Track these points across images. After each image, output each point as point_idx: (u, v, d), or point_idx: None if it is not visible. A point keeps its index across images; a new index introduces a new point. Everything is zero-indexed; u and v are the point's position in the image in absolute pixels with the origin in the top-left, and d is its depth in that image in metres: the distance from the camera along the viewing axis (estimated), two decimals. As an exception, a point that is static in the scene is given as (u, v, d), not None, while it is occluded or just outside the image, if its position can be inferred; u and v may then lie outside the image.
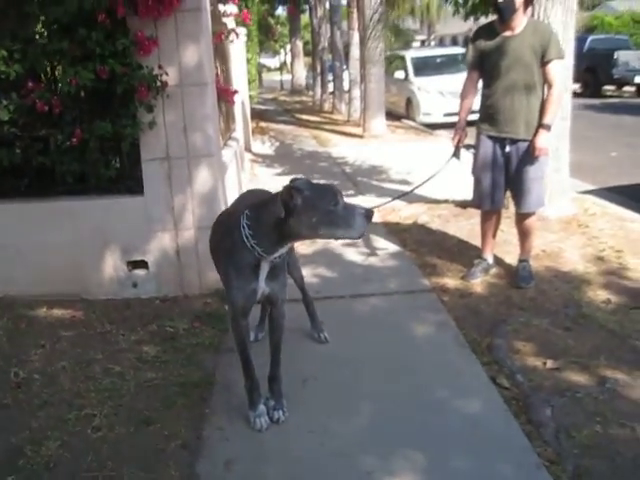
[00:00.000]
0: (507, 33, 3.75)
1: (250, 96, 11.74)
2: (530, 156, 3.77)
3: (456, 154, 4.05)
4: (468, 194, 4.30)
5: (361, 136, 11.47)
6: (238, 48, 8.05)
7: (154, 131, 3.73)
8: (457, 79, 4.11)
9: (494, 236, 4.25)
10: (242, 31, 8.54)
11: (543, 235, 4.84)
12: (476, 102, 4.08)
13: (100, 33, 3.40)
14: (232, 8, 5.34)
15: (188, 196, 3.86)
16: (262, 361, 2.75)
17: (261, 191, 3.10)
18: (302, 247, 4.80)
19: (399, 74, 14.53)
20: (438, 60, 14.80)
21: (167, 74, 3.62)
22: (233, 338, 2.71)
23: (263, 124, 14.19)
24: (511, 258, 4.37)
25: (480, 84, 4.04)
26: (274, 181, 7.19)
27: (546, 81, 3.75)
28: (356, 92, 13.55)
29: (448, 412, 2.70)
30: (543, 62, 3.69)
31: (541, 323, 3.48)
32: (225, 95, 5.11)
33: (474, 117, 4.05)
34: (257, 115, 15.28)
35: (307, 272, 4.31)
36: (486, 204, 4.04)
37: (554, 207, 5.26)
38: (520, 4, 3.64)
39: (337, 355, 3.24)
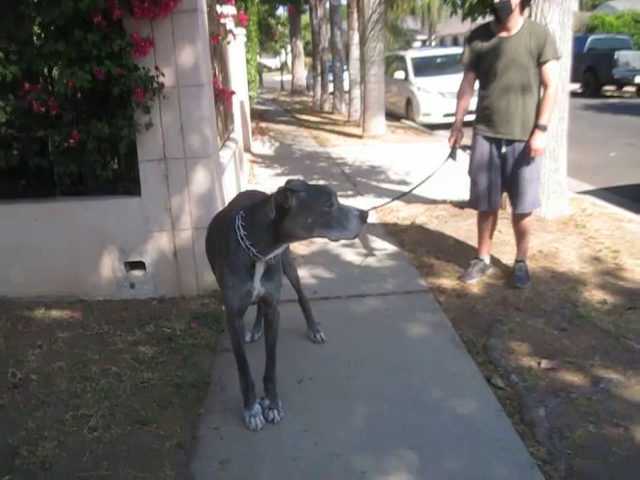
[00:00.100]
0: (503, 34, 3.76)
1: (250, 96, 11.76)
2: (526, 157, 3.78)
3: (452, 155, 4.06)
4: (466, 195, 4.31)
5: (361, 136, 11.47)
6: (237, 49, 8.06)
7: (151, 132, 3.74)
8: (457, 80, 4.11)
9: (491, 237, 4.26)
10: (241, 32, 8.57)
11: (540, 235, 4.85)
12: (472, 103, 4.09)
13: (96, 34, 3.41)
14: (230, 9, 5.35)
15: (185, 197, 3.88)
16: (258, 361, 2.77)
17: (257, 192, 3.11)
18: (300, 247, 4.82)
19: (399, 74, 14.53)
20: (438, 60, 14.80)
21: (163, 75, 3.63)
22: (229, 338, 2.72)
23: (263, 124, 14.20)
24: (508, 258, 4.38)
25: (477, 85, 4.05)
26: (273, 181, 7.21)
27: (542, 82, 3.76)
28: (356, 92, 13.55)
29: (442, 412, 2.71)
30: (539, 63, 3.71)
31: (537, 323, 3.49)
32: (223, 96, 5.12)
33: (471, 118, 4.06)
34: (257, 115, 15.31)
35: (305, 272, 4.34)
36: (483, 205, 4.05)
37: (551, 207, 5.28)
38: (516, 5, 3.65)
39: (333, 355, 3.25)
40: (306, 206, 2.30)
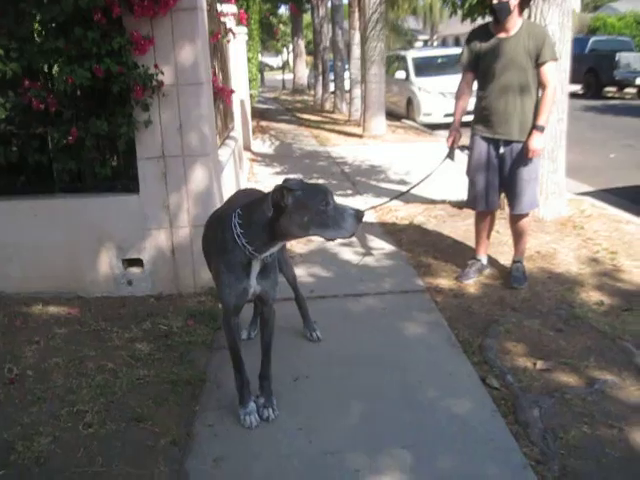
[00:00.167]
0: (502, 35, 3.77)
1: (251, 95, 11.75)
2: (524, 157, 3.79)
3: (450, 155, 4.07)
4: (465, 195, 4.31)
5: (361, 136, 11.48)
6: (238, 47, 8.07)
7: (150, 130, 3.75)
8: (458, 80, 4.12)
9: (488, 237, 4.27)
10: (242, 30, 8.58)
11: (538, 236, 4.86)
12: (471, 103, 4.10)
13: (96, 32, 3.42)
14: (230, 8, 5.36)
15: (183, 195, 3.89)
16: (254, 359, 2.78)
17: (254, 190, 3.12)
18: (298, 246, 4.83)
19: (400, 74, 14.54)
20: (439, 60, 14.79)
21: (163, 73, 3.64)
22: (225, 336, 2.73)
23: (264, 123, 14.21)
24: (505, 259, 4.39)
25: (475, 85, 4.05)
26: (272, 180, 7.21)
27: (540, 83, 3.77)
28: (357, 92, 13.56)
29: (437, 411, 2.72)
30: (537, 64, 3.71)
31: (533, 324, 3.50)
32: (222, 94, 5.13)
33: (469, 118, 4.06)
34: (258, 114, 15.31)
35: (302, 271, 4.35)
36: (480, 205, 4.06)
37: (550, 208, 5.28)
38: (515, 6, 3.65)
39: (329, 354, 3.26)
40: (302, 205, 2.31)
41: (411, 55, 15.05)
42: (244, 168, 7.66)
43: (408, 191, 4.31)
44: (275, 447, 2.53)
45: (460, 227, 5.22)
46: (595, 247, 4.64)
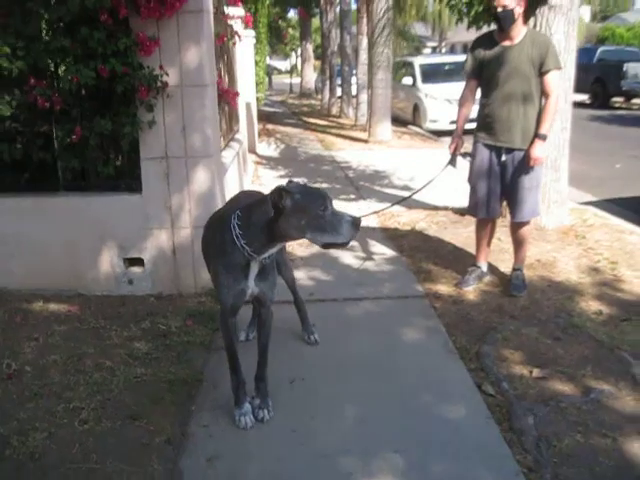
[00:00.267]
0: (506, 43, 3.78)
1: (257, 98, 11.80)
2: (525, 166, 3.79)
3: (452, 162, 4.08)
4: (467, 202, 4.32)
5: (366, 141, 11.50)
6: (246, 50, 8.10)
7: (153, 130, 3.77)
8: (465, 87, 4.13)
9: (489, 244, 4.28)
10: (250, 33, 8.62)
11: (539, 244, 4.86)
12: (474, 111, 4.11)
13: (102, 32, 3.45)
14: (237, 11, 5.39)
15: (185, 195, 3.91)
16: (251, 360, 2.79)
17: (255, 192, 3.14)
18: (299, 249, 4.85)
19: (407, 80, 14.58)
20: (446, 67, 14.82)
21: (168, 74, 3.67)
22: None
23: (270, 126, 14.25)
24: (506, 266, 4.39)
25: (478, 93, 4.06)
26: (277, 183, 7.21)
27: (543, 91, 3.77)
28: (363, 97, 13.60)
29: (431, 417, 2.72)
30: (541, 72, 3.72)
31: (531, 332, 3.50)
32: (227, 96, 5.15)
33: (472, 126, 4.08)
34: (264, 117, 15.35)
35: (303, 274, 4.36)
36: (481, 212, 4.07)
37: (552, 217, 5.29)
38: (519, 14, 3.67)
39: (326, 357, 3.27)
40: (300, 208, 2.33)
41: (418, 61, 15.08)
42: (248, 170, 7.68)
43: (410, 197, 4.33)
44: (269, 448, 2.54)
45: (462, 234, 5.23)
46: (596, 257, 4.63)
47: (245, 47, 7.93)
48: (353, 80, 15.61)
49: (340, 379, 3.04)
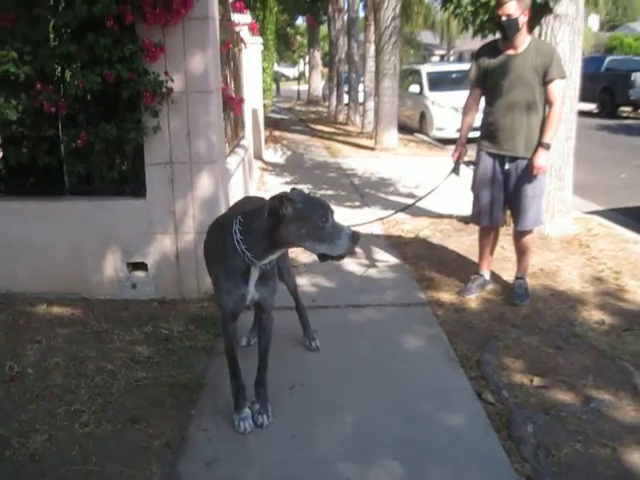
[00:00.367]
0: (510, 51, 3.79)
1: (264, 105, 11.84)
2: (529, 174, 3.80)
3: (455, 170, 4.09)
4: (471, 210, 4.32)
5: (373, 148, 11.53)
6: (253, 57, 8.15)
7: (158, 136, 3.80)
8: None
9: (492, 252, 4.28)
10: (258, 40, 8.66)
11: (543, 253, 4.86)
12: (478, 119, 4.12)
13: (108, 38, 3.49)
14: (244, 17, 5.43)
15: (189, 201, 3.93)
16: (252, 365, 2.80)
17: (259, 198, 3.15)
18: (302, 255, 4.85)
19: (414, 88, 14.61)
20: (453, 75, 14.82)
21: (173, 81, 3.70)
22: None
23: (277, 133, 14.30)
24: (508, 275, 4.39)
25: (482, 101, 4.07)
26: (282, 190, 7.24)
27: (547, 100, 3.78)
28: (370, 104, 13.63)
29: (430, 424, 2.72)
30: (545, 81, 3.73)
31: (532, 341, 3.49)
32: (232, 103, 5.18)
33: (476, 134, 4.08)
34: (271, 124, 15.41)
35: (306, 281, 4.37)
36: (484, 220, 4.07)
37: (556, 226, 5.28)
38: (523, 23, 3.68)
39: (326, 363, 3.27)
40: (301, 217, 2.34)
41: (425, 69, 15.11)
42: (254, 177, 7.71)
43: (413, 204, 4.34)
44: (268, 453, 2.54)
45: (465, 242, 5.23)
46: (600, 266, 4.62)
47: (252, 54, 7.98)
48: (360, 87, 15.67)
49: (340, 385, 3.05)
